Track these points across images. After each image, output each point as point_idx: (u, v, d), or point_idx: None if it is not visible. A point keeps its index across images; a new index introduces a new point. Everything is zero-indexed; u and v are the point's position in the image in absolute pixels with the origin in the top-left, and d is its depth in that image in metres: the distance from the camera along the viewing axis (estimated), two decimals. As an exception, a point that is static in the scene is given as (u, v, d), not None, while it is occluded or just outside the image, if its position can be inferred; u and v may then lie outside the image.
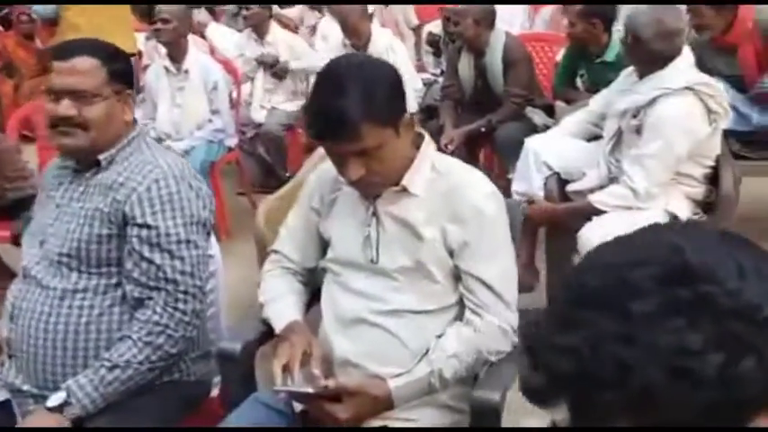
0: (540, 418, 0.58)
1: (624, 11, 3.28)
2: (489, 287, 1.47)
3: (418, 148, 1.54)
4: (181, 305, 1.59)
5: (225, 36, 5.10)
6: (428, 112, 4.21)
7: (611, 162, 2.58)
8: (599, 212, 2.43)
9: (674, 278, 0.50)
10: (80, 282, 1.62)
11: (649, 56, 2.37)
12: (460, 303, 1.52)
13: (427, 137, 1.58)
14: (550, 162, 2.63)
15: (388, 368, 1.46)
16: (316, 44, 5.02)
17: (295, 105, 4.70)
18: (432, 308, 1.50)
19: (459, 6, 3.63)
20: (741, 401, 0.47)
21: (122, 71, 1.68)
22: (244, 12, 4.71)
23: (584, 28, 3.39)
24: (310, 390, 1.40)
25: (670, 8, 2.37)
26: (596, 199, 2.44)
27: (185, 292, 1.59)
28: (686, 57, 2.40)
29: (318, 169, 1.73)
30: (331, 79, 1.44)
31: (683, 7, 2.41)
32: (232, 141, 4.13)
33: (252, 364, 1.63)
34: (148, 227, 1.58)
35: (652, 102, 2.36)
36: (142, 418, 1.60)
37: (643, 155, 2.36)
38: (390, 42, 3.90)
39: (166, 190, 1.61)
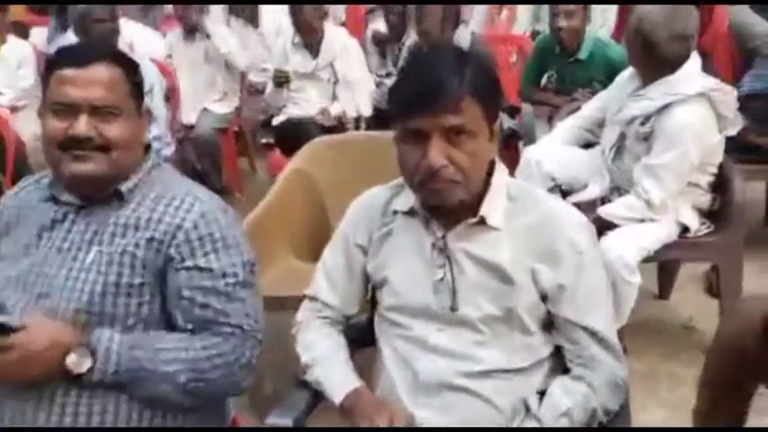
0: None
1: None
2: (598, 337, 1.27)
3: (489, 175, 1.32)
4: (248, 351, 1.32)
5: (146, 39, 4.57)
6: (379, 116, 3.98)
7: (614, 171, 2.46)
8: (610, 226, 2.30)
9: None
10: None
11: (661, 60, 2.25)
12: (554, 356, 1.32)
13: (499, 162, 1.36)
14: (553, 172, 2.48)
15: None
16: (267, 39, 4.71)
17: (228, 106, 4.35)
18: (525, 364, 1.28)
19: (426, 5, 3.43)
20: None
21: (140, 83, 1.40)
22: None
23: (582, 20, 3.27)
24: None
25: (681, 8, 2.25)
26: (608, 212, 2.31)
27: (254, 337, 1.33)
28: (695, 60, 2.31)
29: (361, 199, 1.48)
30: (437, 51, 1.30)
31: (693, 8, 2.30)
32: (169, 150, 3.73)
33: (303, 439, 1.36)
34: (200, 269, 1.30)
35: (664, 108, 2.24)
36: None
37: (657, 165, 2.25)
38: (345, 42, 3.65)
39: (216, 225, 1.33)
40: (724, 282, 2.44)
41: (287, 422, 1.33)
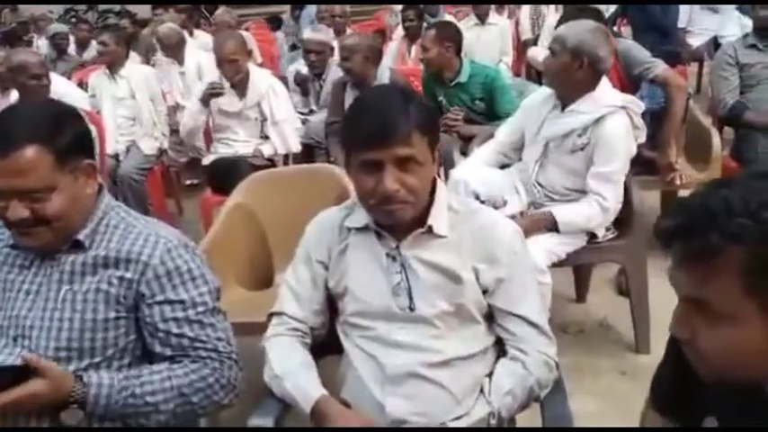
0: None
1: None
2: (530, 322, 1.49)
3: (432, 191, 1.53)
4: (226, 372, 1.45)
5: (65, 87, 4.55)
6: (306, 151, 4.16)
7: (535, 187, 2.70)
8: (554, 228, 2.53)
9: None
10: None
11: (599, 74, 2.50)
12: (497, 343, 1.52)
13: (438, 179, 1.57)
14: (479, 191, 2.71)
15: (444, 422, 1.42)
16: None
17: (151, 147, 4.37)
18: (475, 351, 1.49)
19: (349, 42, 3.66)
20: None
21: (72, 142, 1.37)
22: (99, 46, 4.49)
23: (438, 52, 3.67)
24: None
25: (599, 31, 2.53)
26: (566, 222, 2.51)
27: (229, 358, 1.46)
28: (605, 78, 2.60)
29: (317, 220, 1.65)
30: (379, 92, 1.51)
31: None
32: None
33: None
34: (171, 302, 1.41)
35: (600, 119, 2.48)
36: None
37: (609, 171, 2.49)
38: (271, 83, 3.81)
39: (182, 260, 1.44)
40: (632, 281, 2.74)
41: (268, 422, 1.47)
